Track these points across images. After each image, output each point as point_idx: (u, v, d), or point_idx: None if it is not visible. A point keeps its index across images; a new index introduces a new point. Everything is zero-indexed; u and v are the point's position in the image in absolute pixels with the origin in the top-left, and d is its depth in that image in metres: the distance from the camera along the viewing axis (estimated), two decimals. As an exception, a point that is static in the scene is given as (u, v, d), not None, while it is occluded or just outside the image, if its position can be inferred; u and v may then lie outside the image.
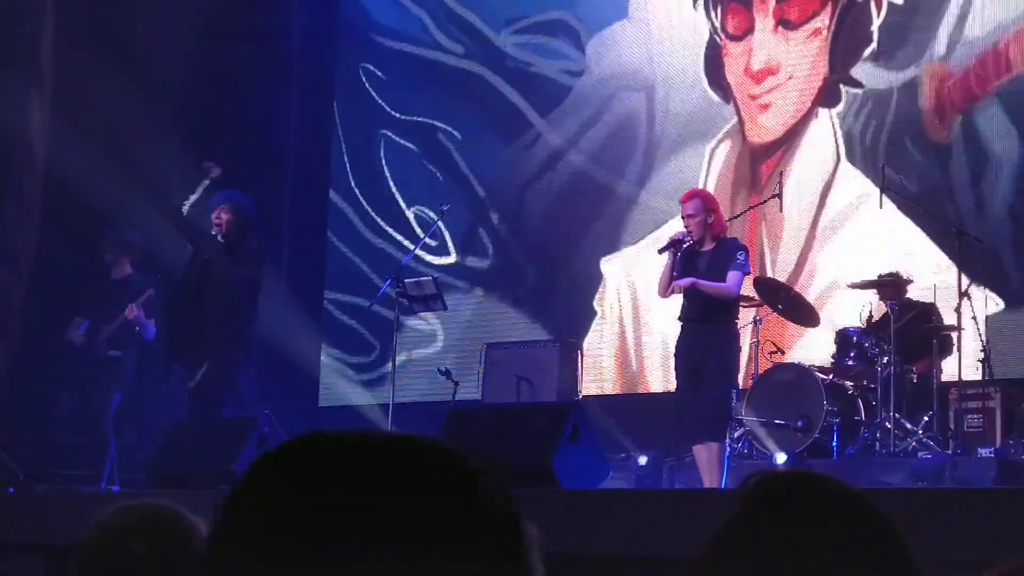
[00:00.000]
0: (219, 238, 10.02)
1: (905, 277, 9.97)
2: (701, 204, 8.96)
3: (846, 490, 1.63)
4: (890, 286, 9.90)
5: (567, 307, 12.41)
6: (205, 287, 9.96)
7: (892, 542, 1.60)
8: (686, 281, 8.82)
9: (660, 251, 9.10)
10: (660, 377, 11.46)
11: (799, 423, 9.57)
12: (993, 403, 9.40)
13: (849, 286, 10.19)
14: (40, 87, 11.83)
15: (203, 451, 8.93)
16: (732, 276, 8.86)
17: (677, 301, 9.03)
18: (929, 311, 9.91)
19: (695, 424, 8.70)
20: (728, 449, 9.75)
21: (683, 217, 9.01)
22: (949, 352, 9.66)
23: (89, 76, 11.39)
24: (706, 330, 8.80)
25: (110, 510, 2.70)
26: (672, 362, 9.23)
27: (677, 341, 9.06)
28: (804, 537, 1.57)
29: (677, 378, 9.09)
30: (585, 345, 11.84)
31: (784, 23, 11.73)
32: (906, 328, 9.63)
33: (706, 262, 8.90)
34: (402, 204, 13.34)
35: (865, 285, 10.03)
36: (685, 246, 8.94)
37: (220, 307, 9.93)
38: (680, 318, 9.03)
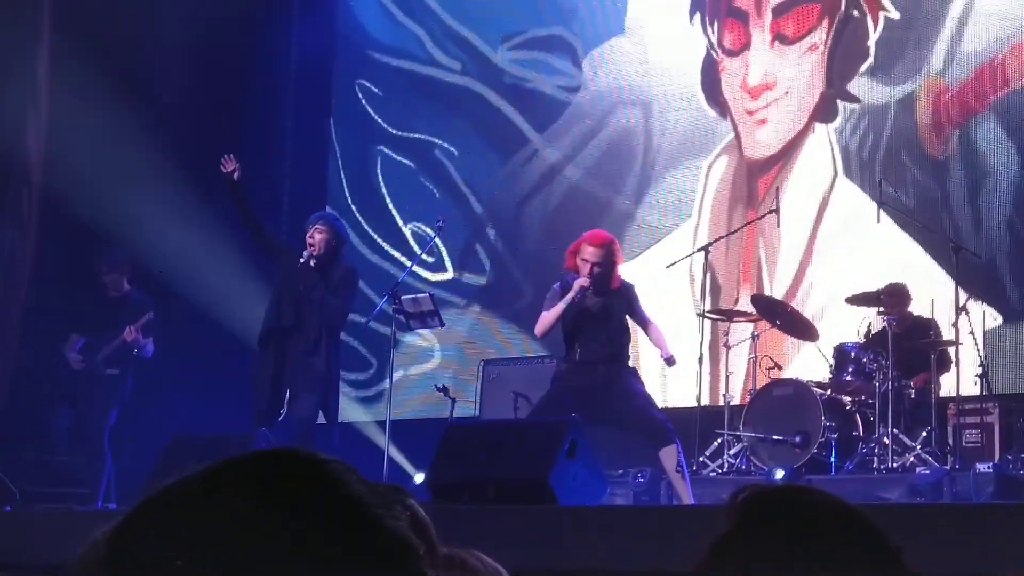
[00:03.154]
0: (310, 260, 9.35)
1: (905, 291, 9.95)
2: (613, 257, 8.74)
3: (837, 503, 1.62)
4: (888, 302, 9.87)
5: (565, 323, 12.39)
6: (295, 313, 9.40)
7: (886, 554, 1.59)
8: (669, 355, 8.81)
9: (569, 296, 8.68)
10: (658, 393, 11.44)
11: (797, 438, 9.56)
12: (991, 418, 9.39)
13: (847, 300, 10.17)
14: (36, 106, 11.82)
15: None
16: (651, 322, 8.90)
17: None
18: (927, 326, 9.90)
19: (652, 434, 8.65)
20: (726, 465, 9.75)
21: (587, 261, 8.67)
22: (948, 368, 9.65)
23: (86, 94, 11.39)
24: (612, 370, 8.70)
25: (106, 528, 2.68)
26: (669, 378, 9.15)
27: (570, 380, 8.77)
28: (797, 551, 1.56)
29: (546, 405, 8.78)
30: (583, 361, 11.82)
31: (781, 38, 11.74)
32: (904, 343, 9.62)
33: (600, 304, 8.77)
34: (399, 220, 13.33)
35: (862, 299, 10.00)
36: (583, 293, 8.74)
37: (311, 333, 9.35)
38: (579, 360, 8.75)
